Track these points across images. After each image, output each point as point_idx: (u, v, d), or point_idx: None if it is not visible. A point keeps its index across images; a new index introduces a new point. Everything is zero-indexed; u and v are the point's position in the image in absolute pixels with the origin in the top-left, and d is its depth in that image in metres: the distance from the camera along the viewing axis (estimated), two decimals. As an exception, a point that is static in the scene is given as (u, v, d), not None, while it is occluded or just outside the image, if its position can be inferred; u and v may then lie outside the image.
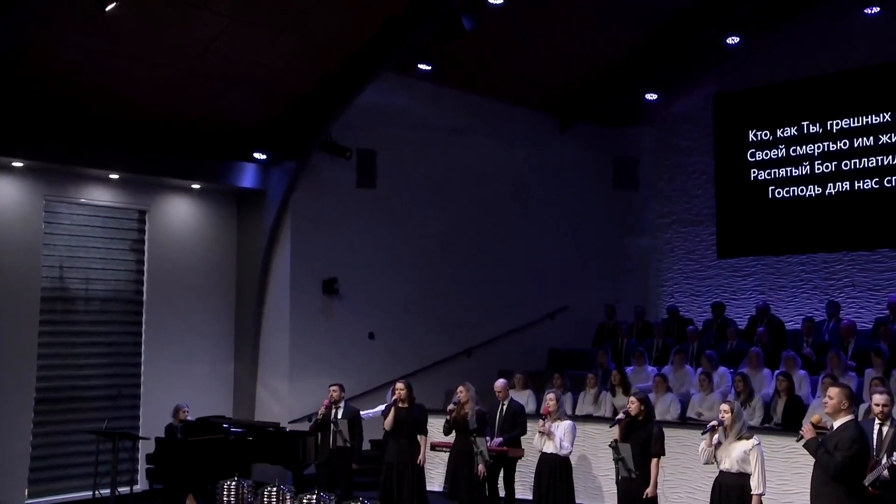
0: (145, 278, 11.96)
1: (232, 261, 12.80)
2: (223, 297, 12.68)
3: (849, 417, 6.24)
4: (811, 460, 6.34)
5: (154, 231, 12.04)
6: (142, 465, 11.20)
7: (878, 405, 6.93)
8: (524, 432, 9.51)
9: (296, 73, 11.43)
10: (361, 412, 10.08)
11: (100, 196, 11.61)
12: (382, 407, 9.63)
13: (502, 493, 9.71)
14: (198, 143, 11.80)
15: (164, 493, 10.67)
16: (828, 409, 6.34)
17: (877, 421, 7.00)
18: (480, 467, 8.74)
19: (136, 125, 11.21)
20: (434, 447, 10.00)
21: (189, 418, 10.86)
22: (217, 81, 11.07)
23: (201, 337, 12.37)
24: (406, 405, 9.12)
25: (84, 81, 10.40)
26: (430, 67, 11.91)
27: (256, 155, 12.17)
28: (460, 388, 9.12)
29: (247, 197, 12.70)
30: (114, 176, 11.54)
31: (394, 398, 9.15)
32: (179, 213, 12.35)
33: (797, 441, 6.44)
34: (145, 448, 11.00)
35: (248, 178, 12.35)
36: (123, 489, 10.58)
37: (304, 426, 10.67)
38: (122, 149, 11.19)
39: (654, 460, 7.75)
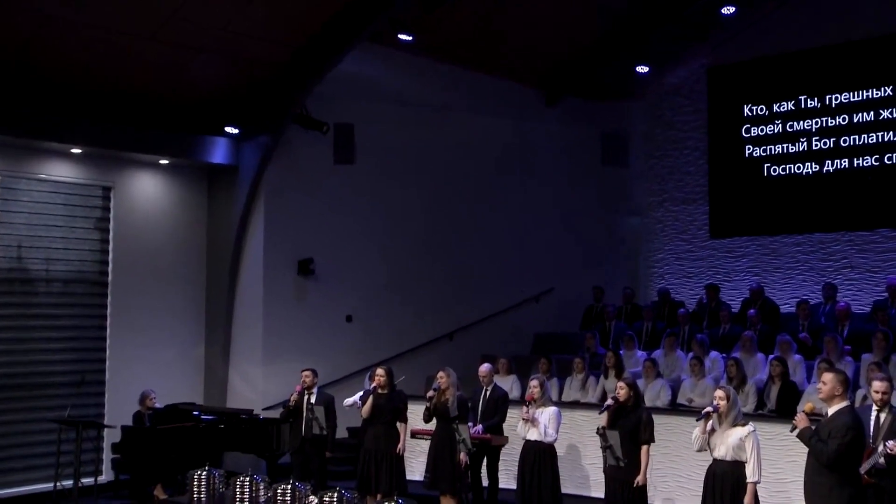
0: (110, 258, 11.86)
1: (202, 240, 12.74)
2: (193, 279, 12.62)
3: (843, 404, 6.25)
4: (805, 448, 6.34)
5: (119, 209, 11.94)
6: (107, 455, 11.15)
7: (877, 392, 6.95)
8: (504, 419, 9.51)
9: (269, 42, 11.29)
10: (346, 401, 9.98)
11: (61, 171, 11.47)
12: (361, 393, 9.57)
13: (486, 483, 9.71)
14: (166, 115, 11.67)
15: (131, 484, 10.61)
16: (821, 395, 6.35)
17: (874, 407, 7.02)
18: (462, 455, 8.71)
19: (100, 96, 11.05)
20: (415, 435, 9.98)
21: (157, 405, 10.84)
22: (185, 50, 10.91)
23: (170, 320, 12.32)
24: (385, 391, 9.10)
25: (43, 49, 10.21)
26: (410, 38, 11.82)
27: (228, 129, 12.09)
28: (440, 374, 9.08)
29: (218, 173, 12.62)
30: (76, 150, 11.39)
31: (373, 384, 9.11)
32: (146, 190, 12.24)
33: (791, 431, 6.45)
34: (111, 437, 10.96)
35: (218, 153, 12.27)
36: (87, 480, 10.53)
37: (279, 413, 10.61)
38: (85, 121, 11.05)
39: (644, 448, 7.77)
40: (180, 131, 11.89)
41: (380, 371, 9.22)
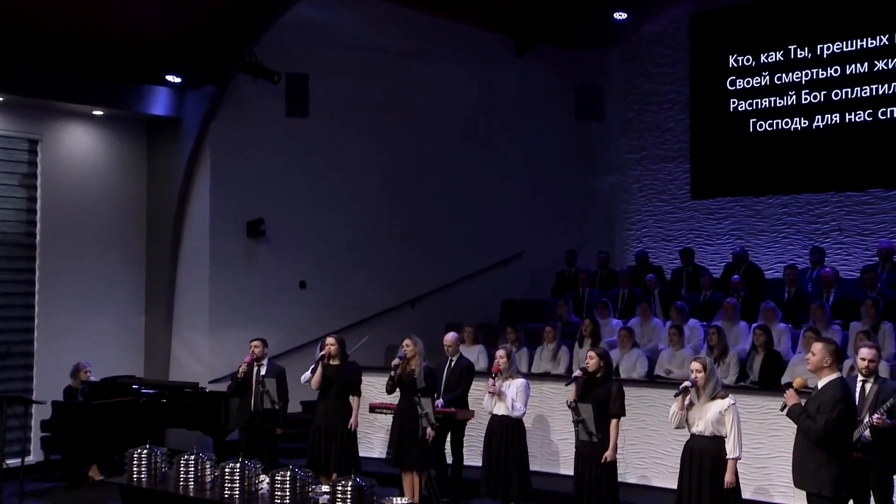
0: (38, 218, 11.75)
1: (141, 199, 12.64)
2: (131, 241, 12.53)
3: (834, 376, 6.30)
4: (789, 422, 6.42)
5: (48, 163, 11.79)
6: (35, 434, 11.11)
7: (863, 360, 7.05)
8: (466, 392, 9.56)
9: (213, -18, 11.12)
10: (303, 377, 9.96)
11: (-18, 122, 11.31)
12: (313, 365, 9.54)
13: (450, 459, 9.75)
14: (100, 61, 11.49)
15: (63, 465, 10.56)
16: (810, 366, 6.40)
17: (860, 377, 7.11)
18: (429, 430, 8.74)
19: (26, 39, 10.85)
20: (374, 409, 10.00)
21: (92, 379, 10.81)
22: (121, -11, 10.74)
23: (106, 286, 12.23)
24: (337, 362, 9.10)
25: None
26: (369, -22, 11.68)
27: (169, 77, 11.96)
28: (406, 342, 9.09)
29: (158, 125, 12.50)
30: (-2, 98, 11.23)
31: (322, 354, 9.10)
32: (78, 143, 12.09)
33: (781, 410, 6.50)
34: (40, 414, 10.88)
35: (159, 103, 12.14)
36: (13, 461, 10.38)
37: (227, 386, 10.58)
38: (8, 67, 10.84)
39: (614, 421, 7.84)
40: (116, 79, 11.71)
41: (330, 339, 9.20)
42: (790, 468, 6.43)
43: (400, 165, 13.56)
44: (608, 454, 7.77)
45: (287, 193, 12.68)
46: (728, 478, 6.88)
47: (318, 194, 12.91)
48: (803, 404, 6.31)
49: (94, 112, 12.01)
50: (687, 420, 7.09)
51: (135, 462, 7.22)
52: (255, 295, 12.42)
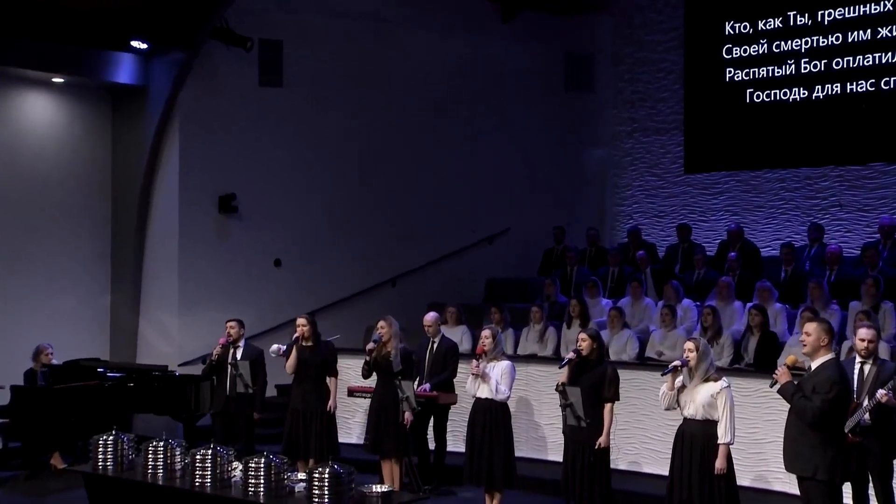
0: (-7, 193, 11.75)
1: (106, 172, 12.63)
2: (96, 216, 12.53)
3: (829, 356, 6.34)
4: (786, 405, 6.45)
5: (4, 134, 11.79)
6: (-7, 420, 11.05)
7: (862, 340, 7.09)
8: (454, 374, 9.58)
9: (181, -58, 11.04)
10: (272, 347, 9.97)
11: (-67, 90, 11.29)
12: (284, 346, 9.55)
13: (432, 445, 9.79)
14: (60, 25, 11.41)
15: (24, 453, 10.51)
16: (807, 348, 6.43)
17: (858, 359, 7.16)
18: (407, 415, 8.77)
19: (-19, 2, 10.75)
20: (352, 392, 10.02)
21: (54, 362, 10.75)
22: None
23: (69, 263, 12.24)
24: (310, 343, 9.11)
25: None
26: (346, -61, 11.62)
27: (135, 43, 11.94)
28: (381, 323, 9.12)
29: (123, 94, 12.48)
30: (-50, 65, 11.19)
31: (295, 336, 9.11)
32: (37, 113, 12.07)
33: (771, 386, 6.54)
34: (-2, 398, 10.83)
35: (124, 71, 12.12)
36: (-31, 449, 10.43)
37: (197, 369, 10.61)
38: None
39: (608, 406, 7.85)
40: (77, 44, 11.65)
41: (301, 321, 9.21)
42: (785, 452, 6.49)
43: (379, 137, 13.53)
44: (602, 440, 7.77)
45: (261, 167, 12.66)
46: (719, 464, 6.92)
47: (294, 168, 12.89)
48: (796, 384, 6.35)
49: (54, 79, 11.97)
50: (678, 402, 7.13)
51: (100, 449, 7.20)
52: (228, 273, 12.44)
